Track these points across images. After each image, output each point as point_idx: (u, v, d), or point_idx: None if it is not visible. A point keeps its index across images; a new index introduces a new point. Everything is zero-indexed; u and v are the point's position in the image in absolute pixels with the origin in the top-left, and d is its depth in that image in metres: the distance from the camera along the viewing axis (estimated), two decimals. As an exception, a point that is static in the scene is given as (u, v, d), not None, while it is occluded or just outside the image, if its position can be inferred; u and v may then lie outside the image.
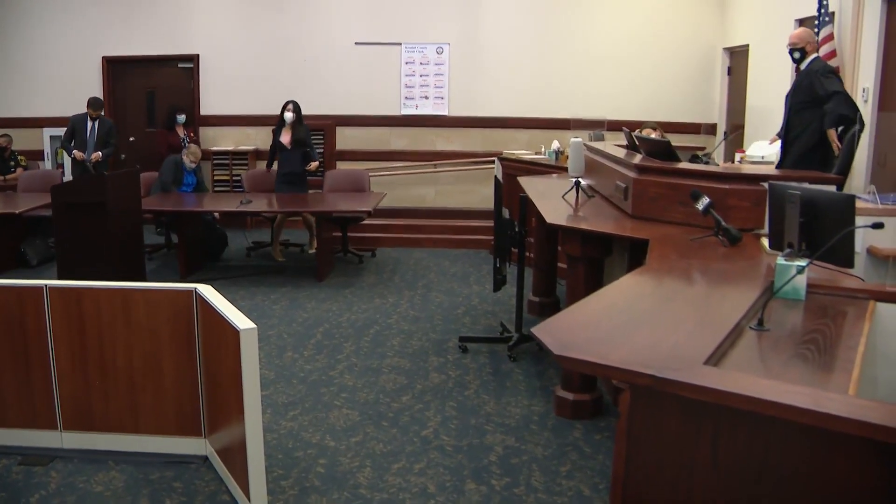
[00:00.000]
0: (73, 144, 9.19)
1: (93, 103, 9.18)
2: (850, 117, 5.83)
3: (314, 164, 8.92)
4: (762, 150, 6.04)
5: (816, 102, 5.96)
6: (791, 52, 6.22)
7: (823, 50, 6.76)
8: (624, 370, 2.36)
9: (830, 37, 6.76)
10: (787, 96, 6.35)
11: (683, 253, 4.02)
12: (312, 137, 10.37)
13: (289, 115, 8.79)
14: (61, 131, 9.73)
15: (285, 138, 8.82)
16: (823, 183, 4.43)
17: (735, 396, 2.14)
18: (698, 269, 3.75)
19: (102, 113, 9.37)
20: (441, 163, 10.76)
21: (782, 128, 6.37)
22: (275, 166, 8.99)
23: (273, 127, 9.04)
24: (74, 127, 9.21)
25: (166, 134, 10.05)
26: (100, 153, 9.17)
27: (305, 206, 8.61)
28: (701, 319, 2.96)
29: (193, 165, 9.01)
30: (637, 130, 8.46)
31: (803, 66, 6.18)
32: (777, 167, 6.15)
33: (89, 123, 9.21)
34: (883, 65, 6.30)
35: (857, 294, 3.30)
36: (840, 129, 5.82)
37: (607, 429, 4.68)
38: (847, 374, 2.47)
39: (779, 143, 6.15)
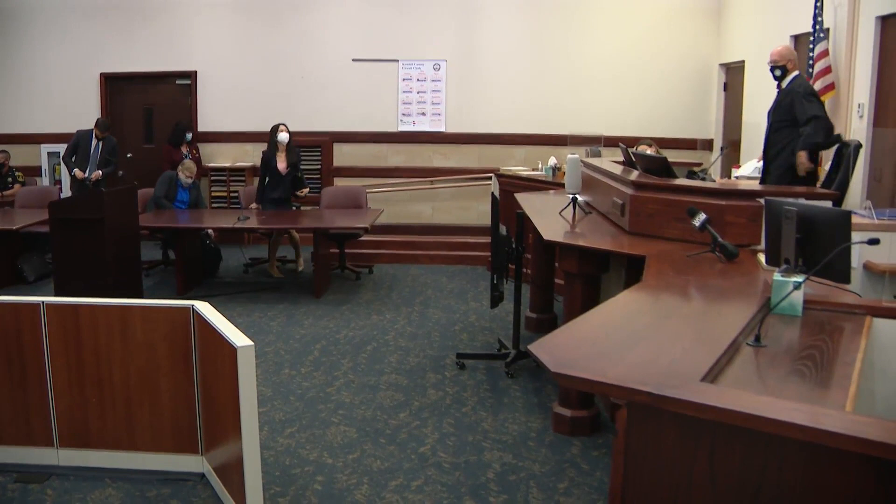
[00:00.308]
0: (74, 160, 9.22)
1: (101, 125, 9.27)
2: (822, 145, 5.88)
3: (305, 191, 9.05)
4: (749, 169, 6.05)
5: (796, 122, 5.97)
6: (772, 69, 6.21)
7: (818, 66, 6.79)
8: (621, 387, 2.36)
9: (825, 53, 6.79)
10: (768, 113, 6.36)
11: (680, 269, 4.03)
12: (308, 154, 10.46)
13: (284, 136, 8.77)
14: (59, 147, 9.77)
15: (281, 164, 8.79)
16: (820, 199, 4.45)
17: (732, 413, 2.14)
18: (695, 285, 3.76)
19: (103, 138, 9.40)
20: (438, 179, 10.77)
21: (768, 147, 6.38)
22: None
23: (263, 149, 9.01)
24: (79, 142, 9.24)
25: (171, 151, 10.10)
26: (100, 172, 9.20)
27: (303, 222, 8.61)
28: (698, 336, 2.96)
29: (189, 181, 8.98)
30: (634, 147, 8.48)
31: (785, 83, 6.17)
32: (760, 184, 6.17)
33: (94, 142, 9.25)
34: (877, 81, 6.32)
35: (854, 310, 3.30)
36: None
37: (605, 445, 4.67)
38: (844, 391, 2.47)
39: (762, 162, 6.15)
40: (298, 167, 8.98)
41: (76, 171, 9.11)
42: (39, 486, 4.13)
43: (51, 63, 10.88)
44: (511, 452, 4.60)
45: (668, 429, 2.28)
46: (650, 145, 8.38)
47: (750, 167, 6.68)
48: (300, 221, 8.62)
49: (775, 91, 6.31)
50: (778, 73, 6.19)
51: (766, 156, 6.27)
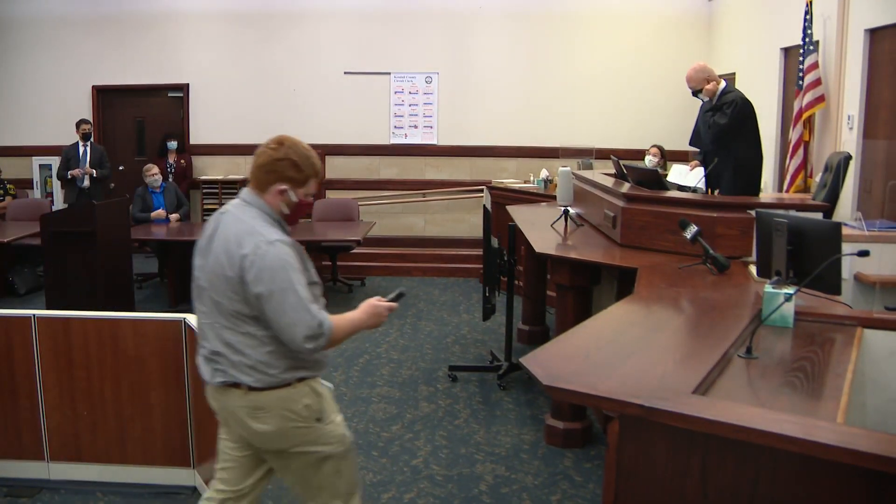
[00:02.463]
0: (68, 173, 9.29)
1: (82, 122, 9.38)
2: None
3: None
4: (682, 176, 5.94)
5: (731, 132, 5.96)
6: (693, 93, 6.21)
7: (808, 78, 6.82)
8: (613, 400, 2.36)
9: (815, 65, 6.82)
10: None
11: (672, 281, 4.04)
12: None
13: None
14: (50, 160, 9.79)
15: None
16: (810, 210, 4.47)
17: (724, 425, 2.14)
18: (687, 297, 3.76)
19: (91, 132, 9.46)
20: (430, 192, 10.77)
21: (700, 158, 6.33)
22: None
23: (244, 178, 9.05)
24: (68, 155, 9.30)
25: (157, 161, 10.08)
26: (93, 171, 9.28)
27: (295, 235, 8.58)
28: (689, 348, 2.96)
29: (156, 179, 8.93)
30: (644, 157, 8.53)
31: (716, 99, 6.10)
32: None
33: (81, 148, 9.33)
34: (867, 93, 6.35)
35: (845, 321, 3.32)
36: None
37: (598, 457, 4.67)
38: (836, 402, 2.48)
39: (700, 170, 6.06)
40: None
41: (73, 171, 9.17)
42: (30, 500, 4.11)
43: (43, 75, 10.86)
44: (504, 465, 4.60)
45: (660, 441, 2.28)
46: (658, 153, 8.47)
47: (678, 174, 6.52)
48: (292, 234, 8.59)
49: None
50: (701, 94, 6.15)
51: (710, 170, 6.13)
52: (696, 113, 10.46)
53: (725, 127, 5.93)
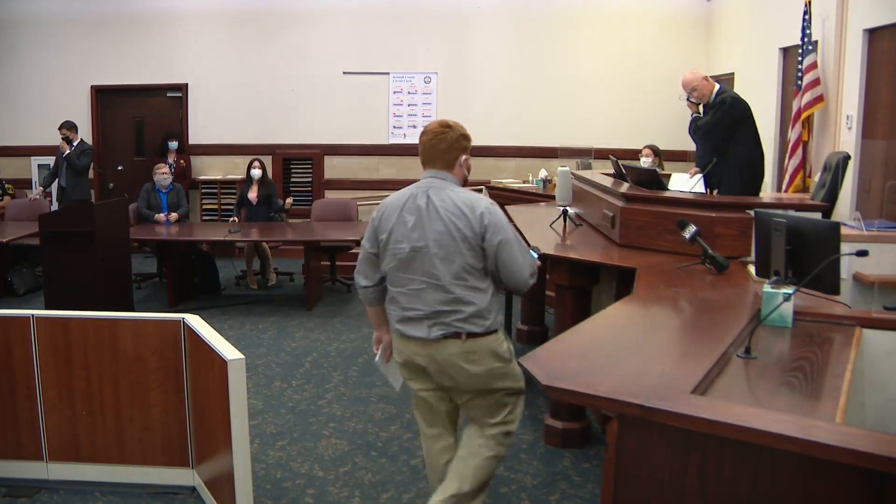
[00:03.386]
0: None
1: (66, 125, 9.40)
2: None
3: (290, 200, 9.56)
4: (683, 184, 5.86)
5: (726, 131, 5.88)
6: (688, 99, 6.10)
7: (807, 78, 6.82)
8: (612, 400, 2.36)
9: (814, 65, 6.83)
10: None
11: (671, 281, 4.04)
12: (299, 167, 10.54)
13: (256, 172, 9.16)
14: (49, 160, 9.80)
15: (251, 195, 9.20)
16: (809, 210, 4.47)
17: (723, 425, 2.14)
18: (686, 297, 3.76)
19: (78, 134, 9.47)
20: (429, 191, 10.75)
21: (698, 160, 6.24)
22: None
23: (242, 178, 9.41)
24: (57, 161, 9.39)
25: (157, 161, 10.08)
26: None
27: (293, 235, 8.60)
28: (688, 348, 2.96)
29: (166, 178, 8.97)
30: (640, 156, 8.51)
31: (710, 101, 5.99)
32: None
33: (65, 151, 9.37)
34: (866, 93, 6.36)
35: (844, 321, 3.31)
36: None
37: (596, 457, 4.67)
38: (834, 402, 2.48)
39: (699, 176, 5.96)
40: (272, 198, 9.25)
41: (38, 189, 9.57)
42: (29, 500, 4.11)
43: (42, 75, 10.87)
44: (502, 465, 4.59)
45: (659, 441, 2.28)
46: (655, 153, 8.44)
47: (679, 182, 6.42)
48: (290, 234, 8.61)
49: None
50: (694, 99, 6.05)
51: (709, 171, 6.06)
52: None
53: (710, 125, 5.90)
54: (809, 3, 6.87)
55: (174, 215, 8.84)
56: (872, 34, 6.30)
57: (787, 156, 7.13)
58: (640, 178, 5.50)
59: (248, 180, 9.19)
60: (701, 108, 6.15)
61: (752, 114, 5.95)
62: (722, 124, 5.85)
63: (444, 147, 3.52)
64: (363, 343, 6.94)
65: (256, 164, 9.14)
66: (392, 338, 3.63)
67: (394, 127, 10.83)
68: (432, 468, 3.69)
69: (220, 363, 3.60)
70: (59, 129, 9.28)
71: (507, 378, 3.47)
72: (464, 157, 3.55)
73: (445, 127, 3.55)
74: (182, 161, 10.44)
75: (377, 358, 3.84)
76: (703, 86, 5.96)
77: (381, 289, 3.59)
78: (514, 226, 4.13)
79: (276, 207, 9.22)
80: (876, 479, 1.96)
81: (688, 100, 6.12)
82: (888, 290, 4.75)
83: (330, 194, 10.71)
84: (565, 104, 10.57)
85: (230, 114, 10.88)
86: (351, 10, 10.70)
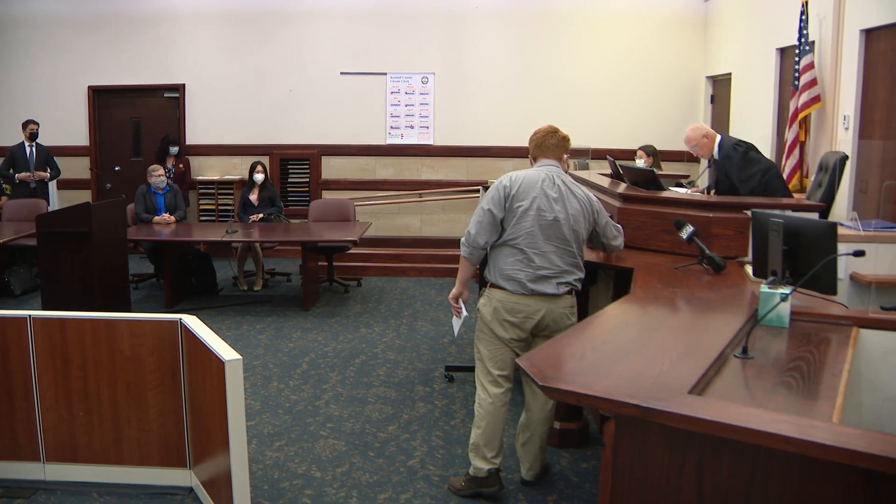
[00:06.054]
0: (12, 171, 9.47)
1: (27, 123, 9.58)
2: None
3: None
4: None
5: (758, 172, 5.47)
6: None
7: (804, 79, 6.83)
8: (609, 400, 2.36)
9: (811, 66, 6.83)
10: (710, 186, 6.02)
11: (668, 281, 4.04)
12: (297, 167, 10.56)
13: (259, 177, 9.18)
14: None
15: (253, 196, 9.24)
16: (806, 210, 4.48)
17: (720, 425, 2.15)
18: (683, 297, 3.77)
19: (38, 133, 9.62)
20: (426, 192, 10.77)
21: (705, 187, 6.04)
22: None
23: (240, 178, 9.55)
24: (14, 155, 9.51)
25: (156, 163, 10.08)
26: (46, 174, 9.57)
27: (291, 235, 8.60)
28: (685, 348, 2.97)
29: (162, 181, 8.90)
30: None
31: (714, 153, 5.68)
32: None
33: (27, 149, 9.55)
34: (863, 93, 6.37)
35: (841, 321, 3.32)
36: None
37: (594, 457, 4.67)
38: (831, 402, 2.48)
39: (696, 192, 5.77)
40: (274, 200, 9.30)
41: (20, 175, 9.42)
42: (26, 500, 4.10)
43: (39, 75, 10.86)
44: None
45: (656, 441, 2.29)
46: (648, 154, 8.41)
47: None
48: (288, 234, 8.61)
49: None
50: (697, 155, 5.84)
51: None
52: (691, 113, 10.54)
53: (752, 187, 5.41)
54: (806, 3, 6.88)
55: (172, 218, 8.79)
56: (869, 34, 6.31)
57: (785, 156, 7.15)
58: (638, 178, 5.50)
59: (251, 183, 9.21)
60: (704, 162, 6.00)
61: (752, 146, 5.71)
62: (754, 177, 5.39)
63: (555, 142, 4.18)
64: (361, 343, 6.94)
65: (259, 167, 9.14)
66: (498, 294, 4.18)
67: (391, 127, 10.82)
68: (493, 416, 4.25)
69: (218, 364, 3.59)
70: (29, 123, 9.57)
71: (573, 322, 4.15)
72: (566, 155, 4.23)
73: (554, 128, 4.24)
74: (181, 165, 10.43)
75: (463, 313, 4.53)
76: (703, 144, 5.70)
77: (486, 252, 4.26)
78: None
79: (279, 207, 9.24)
80: (873, 479, 1.96)
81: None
82: (885, 290, 4.77)
83: (327, 194, 10.71)
84: (562, 105, 10.56)
85: (227, 114, 10.87)
86: (348, 10, 10.69)
